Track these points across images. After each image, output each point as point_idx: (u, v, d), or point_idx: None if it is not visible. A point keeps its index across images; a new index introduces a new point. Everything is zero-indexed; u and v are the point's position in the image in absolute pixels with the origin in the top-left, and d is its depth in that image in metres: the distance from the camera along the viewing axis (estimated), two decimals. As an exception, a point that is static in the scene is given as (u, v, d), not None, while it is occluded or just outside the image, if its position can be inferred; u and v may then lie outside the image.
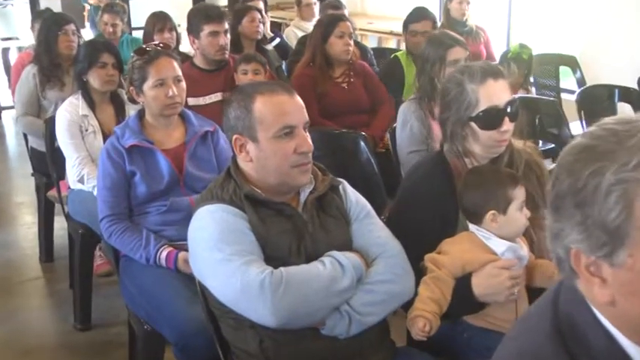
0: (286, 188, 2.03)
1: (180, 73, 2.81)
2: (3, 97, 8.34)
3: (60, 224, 4.50)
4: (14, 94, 5.10)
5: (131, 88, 2.83)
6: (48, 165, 4.07)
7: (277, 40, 5.92)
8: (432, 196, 2.19)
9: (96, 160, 3.60)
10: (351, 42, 4.20)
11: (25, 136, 4.72)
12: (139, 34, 5.86)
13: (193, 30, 3.88)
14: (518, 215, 2.03)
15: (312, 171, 2.06)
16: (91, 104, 3.65)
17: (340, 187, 2.12)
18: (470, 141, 2.22)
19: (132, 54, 2.81)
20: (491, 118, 2.17)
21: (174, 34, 4.76)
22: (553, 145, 4.23)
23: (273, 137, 1.95)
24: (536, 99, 4.55)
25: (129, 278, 2.74)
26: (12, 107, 7.82)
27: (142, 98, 2.81)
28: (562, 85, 5.86)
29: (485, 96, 2.17)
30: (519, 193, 2.03)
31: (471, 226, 2.08)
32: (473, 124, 2.19)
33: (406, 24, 4.53)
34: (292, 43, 6.23)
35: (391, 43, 7.96)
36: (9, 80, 8.67)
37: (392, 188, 3.39)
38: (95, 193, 3.46)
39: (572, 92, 5.91)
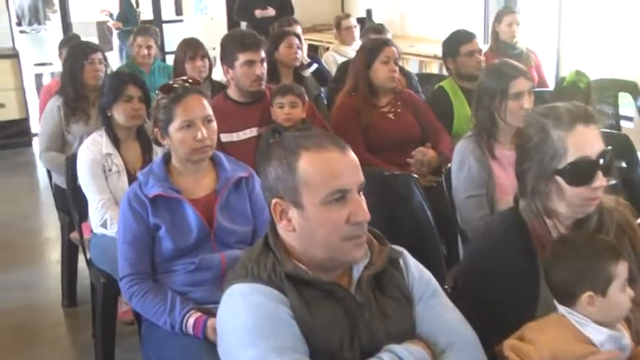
0: (336, 264, 1.68)
1: (210, 112, 2.49)
2: (35, 124, 8.10)
3: (85, 264, 4.21)
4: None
5: (155, 129, 2.50)
6: None
7: (315, 65, 5.59)
8: (509, 268, 1.81)
9: (120, 203, 3.31)
10: (397, 68, 3.84)
11: (49, 172, 4.44)
12: (172, 60, 5.60)
13: (227, 59, 3.56)
14: (620, 297, 1.65)
15: (366, 240, 1.70)
16: (116, 141, 3.36)
17: (400, 259, 1.76)
18: (554, 198, 1.85)
19: (156, 91, 2.48)
20: (582, 172, 1.80)
21: (206, 61, 4.47)
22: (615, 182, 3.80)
23: (322, 203, 1.61)
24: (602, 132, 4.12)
25: (152, 346, 2.42)
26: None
27: (167, 141, 2.49)
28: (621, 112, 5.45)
29: (575, 145, 1.80)
30: (622, 270, 1.65)
31: (561, 308, 1.70)
32: (559, 178, 1.82)
33: (455, 47, 4.14)
34: (331, 68, 5.92)
35: (434, 67, 7.59)
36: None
37: (441, 235, 3.05)
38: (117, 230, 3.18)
39: (630, 119, 5.51)
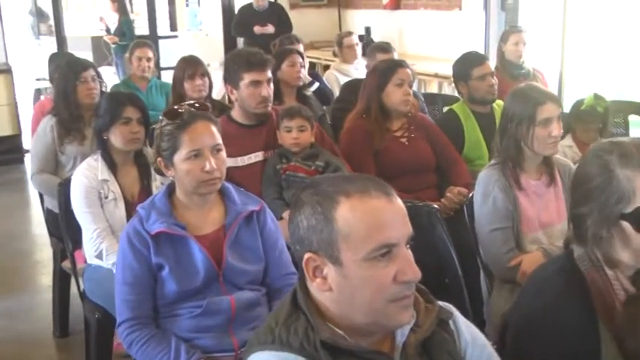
0: (378, 329, 1.44)
1: (220, 140, 2.27)
2: (28, 140, 7.86)
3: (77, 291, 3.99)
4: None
5: (159, 158, 2.29)
6: None
7: (316, 84, 5.40)
8: (569, 329, 1.59)
9: (117, 232, 3.10)
10: (411, 91, 3.64)
11: (41, 195, 4.21)
12: (167, 75, 5.42)
13: (232, 79, 3.35)
14: None
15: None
16: (112, 166, 3.15)
17: (450, 320, 1.54)
18: (616, 246, 1.64)
19: (160, 117, 2.27)
20: (652, 218, 1.59)
21: (206, 80, 4.26)
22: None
23: (365, 260, 1.37)
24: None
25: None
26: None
27: (171, 172, 2.27)
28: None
29: None
30: None
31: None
32: (625, 223, 1.60)
33: (466, 70, 3.93)
34: (333, 87, 5.75)
35: (433, 86, 7.41)
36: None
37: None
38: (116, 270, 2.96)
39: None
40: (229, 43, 9.57)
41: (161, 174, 2.39)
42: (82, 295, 3.25)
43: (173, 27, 14.61)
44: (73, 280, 3.88)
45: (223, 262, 2.26)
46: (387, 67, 3.66)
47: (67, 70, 4.04)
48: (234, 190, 2.39)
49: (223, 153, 2.28)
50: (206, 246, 2.25)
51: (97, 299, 3.09)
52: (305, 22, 8.79)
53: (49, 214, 4.04)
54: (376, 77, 3.65)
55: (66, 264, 3.60)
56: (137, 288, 2.22)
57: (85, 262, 3.25)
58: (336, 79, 5.87)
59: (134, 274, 2.21)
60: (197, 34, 13.91)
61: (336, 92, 5.68)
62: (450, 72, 5.35)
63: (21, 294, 4.61)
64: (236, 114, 3.42)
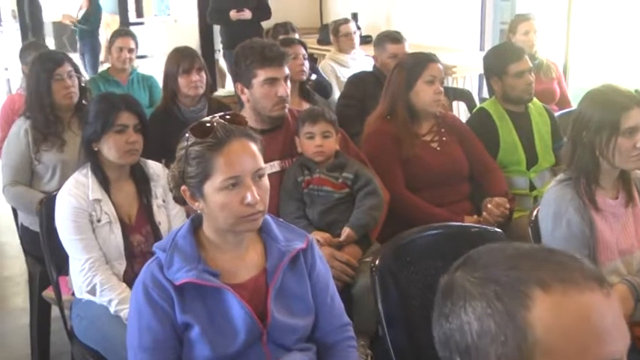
0: None
1: (262, 163, 1.77)
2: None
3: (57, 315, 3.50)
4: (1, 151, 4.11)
5: (183, 187, 1.79)
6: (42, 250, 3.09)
7: (313, 76, 4.91)
8: None
9: (112, 262, 2.61)
10: (442, 89, 3.19)
11: (13, 209, 3.67)
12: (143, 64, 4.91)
13: (243, 76, 2.86)
14: None
15: None
16: (105, 183, 2.65)
17: None
18: None
19: (187, 134, 1.77)
20: None
21: (203, 75, 3.74)
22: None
23: None
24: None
25: None
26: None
27: (200, 204, 1.77)
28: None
29: None
30: None
31: None
32: None
33: (501, 66, 3.46)
34: (330, 79, 5.27)
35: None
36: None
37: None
38: (113, 308, 2.48)
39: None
40: (205, 31, 8.99)
41: (181, 203, 1.89)
42: (70, 333, 2.74)
43: (139, 13, 13.96)
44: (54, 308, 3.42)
45: (268, 318, 1.78)
46: (416, 62, 3.19)
47: (38, 67, 3.45)
48: (274, 222, 1.91)
49: (266, 180, 1.78)
50: (245, 298, 1.76)
51: (89, 341, 2.61)
52: (283, 7, 8.25)
53: (24, 231, 3.50)
54: (403, 74, 3.18)
55: (48, 293, 3.09)
56: (158, 355, 1.72)
57: (72, 293, 2.76)
58: (333, 69, 5.42)
59: (154, 338, 1.72)
60: (165, 19, 13.32)
61: (334, 84, 5.25)
62: (447, 61, 4.99)
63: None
64: (247, 116, 2.91)
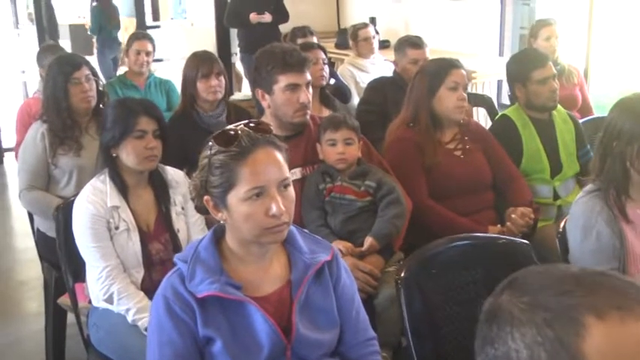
0: None
1: (288, 173, 1.72)
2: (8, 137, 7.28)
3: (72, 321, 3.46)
4: (17, 155, 4.07)
5: (206, 197, 1.74)
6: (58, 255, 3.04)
7: (332, 81, 4.86)
8: None
9: (130, 270, 2.57)
10: (466, 96, 3.13)
11: (30, 213, 3.63)
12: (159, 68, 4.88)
13: (264, 81, 2.81)
14: None
15: None
16: (123, 190, 2.60)
17: None
18: None
19: (210, 143, 1.71)
20: None
21: (222, 80, 3.69)
22: None
23: None
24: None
25: None
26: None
27: (224, 214, 1.72)
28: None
29: None
30: None
31: None
32: None
33: (525, 72, 3.38)
34: (349, 84, 5.21)
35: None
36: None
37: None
38: (130, 317, 2.44)
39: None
40: (222, 34, 8.95)
41: (203, 212, 1.83)
42: (87, 342, 2.70)
43: (156, 16, 13.95)
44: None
45: (293, 332, 1.73)
46: (438, 68, 3.12)
47: (55, 70, 3.40)
48: (299, 233, 1.85)
49: (291, 189, 1.73)
50: (269, 311, 1.71)
51: (107, 351, 2.57)
52: (300, 11, 8.20)
53: (40, 237, 3.47)
54: (426, 80, 3.12)
55: (64, 300, 3.05)
56: (179, 369, 1.68)
57: (89, 301, 2.72)
58: (352, 74, 5.35)
59: (175, 352, 1.67)
60: (182, 23, 13.31)
61: (353, 89, 5.19)
62: (466, 66, 4.90)
63: (6, 323, 4.04)
64: (267, 122, 2.88)
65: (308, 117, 2.86)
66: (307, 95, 2.80)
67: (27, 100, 4.43)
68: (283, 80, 2.76)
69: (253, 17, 7.42)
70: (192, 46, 11.15)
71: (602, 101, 5.75)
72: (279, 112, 2.81)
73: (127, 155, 2.56)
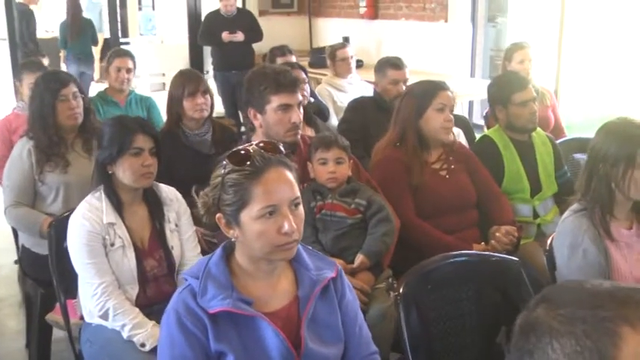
0: None
1: (298, 192, 1.79)
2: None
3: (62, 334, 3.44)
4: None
5: (218, 215, 1.78)
6: (44, 272, 3.03)
7: (310, 100, 4.92)
8: None
9: (125, 286, 2.59)
10: (452, 117, 3.21)
11: (15, 230, 3.62)
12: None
13: (256, 101, 2.87)
14: None
15: None
16: (118, 207, 2.63)
17: None
18: None
19: (224, 162, 1.76)
20: None
21: (208, 98, 3.73)
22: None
23: None
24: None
25: None
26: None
27: (235, 232, 1.76)
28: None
29: None
30: None
31: None
32: None
33: (505, 95, 3.49)
34: (326, 102, 5.29)
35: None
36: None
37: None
38: (126, 333, 2.46)
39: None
40: (195, 52, 8.99)
41: (213, 229, 1.87)
42: (78, 358, 2.71)
43: (124, 32, 13.91)
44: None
45: (302, 347, 1.77)
46: (425, 89, 3.21)
47: (42, 87, 3.40)
48: (305, 250, 1.91)
49: (301, 208, 1.79)
50: (278, 326, 1.76)
51: (101, 367, 2.57)
52: (274, 30, 8.31)
53: (25, 253, 3.46)
54: (414, 101, 3.19)
55: (53, 317, 3.04)
56: (191, 384, 1.71)
57: (81, 317, 2.74)
58: (329, 94, 5.42)
59: (187, 366, 1.71)
60: (151, 40, 13.28)
61: (330, 108, 5.27)
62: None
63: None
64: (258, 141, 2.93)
65: (299, 136, 2.92)
66: (299, 115, 2.86)
67: (7, 116, 4.39)
68: (276, 100, 2.82)
69: (226, 36, 7.50)
70: (164, 63, 11.16)
71: (570, 122, 5.92)
72: (271, 131, 2.86)
73: (124, 172, 2.59)
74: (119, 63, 4.73)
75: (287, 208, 1.72)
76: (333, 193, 2.84)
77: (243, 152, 1.75)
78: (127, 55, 4.82)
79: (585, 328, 0.96)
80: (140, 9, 14.04)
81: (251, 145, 1.78)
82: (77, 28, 9.27)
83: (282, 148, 1.81)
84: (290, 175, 1.76)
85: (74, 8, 9.45)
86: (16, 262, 4.52)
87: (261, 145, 1.79)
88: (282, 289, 1.83)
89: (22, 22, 8.52)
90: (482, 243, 3.14)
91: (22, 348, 3.77)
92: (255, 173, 1.71)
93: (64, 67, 9.44)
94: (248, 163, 1.72)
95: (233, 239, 1.79)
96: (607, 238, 2.40)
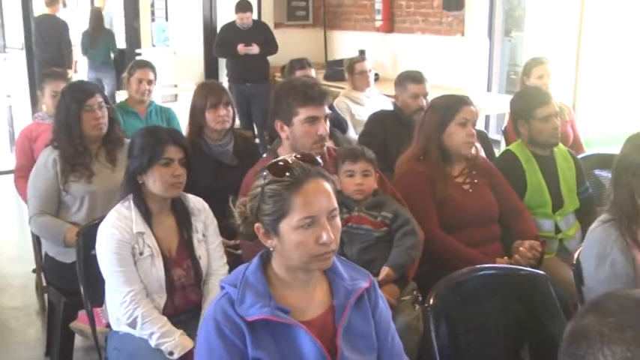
0: None
1: (336, 204, 1.81)
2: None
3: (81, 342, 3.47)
4: (18, 180, 4.10)
5: (257, 224, 1.81)
6: (67, 280, 3.17)
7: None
8: None
9: (153, 294, 2.61)
10: (475, 132, 3.23)
11: (38, 238, 3.64)
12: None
13: (283, 113, 2.90)
14: None
15: None
16: (147, 216, 2.65)
17: None
18: None
19: (264, 173, 1.78)
20: None
21: (230, 110, 3.76)
22: None
23: None
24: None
25: None
26: (4, 172, 6.80)
27: (274, 241, 1.79)
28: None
29: None
30: None
31: None
32: None
33: (528, 109, 3.50)
34: (344, 115, 5.31)
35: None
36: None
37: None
38: (154, 342, 2.48)
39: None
40: (210, 64, 9.04)
41: (250, 238, 1.89)
42: (105, 365, 2.74)
43: (137, 43, 13.97)
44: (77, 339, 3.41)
45: (338, 356, 1.79)
46: (448, 104, 3.23)
47: (68, 97, 3.44)
48: (339, 261, 1.93)
49: (339, 219, 1.82)
50: (315, 334, 1.78)
51: (129, 376, 2.59)
52: (289, 43, 8.33)
53: (48, 262, 3.48)
54: (437, 115, 3.22)
55: (78, 325, 3.07)
56: (229, 392, 1.73)
57: (107, 325, 2.76)
58: (347, 107, 5.44)
59: (225, 373, 1.73)
60: (164, 51, 13.33)
61: (348, 121, 5.29)
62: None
63: (5, 352, 3.96)
64: (284, 153, 2.95)
65: (325, 148, 2.94)
66: (326, 128, 2.89)
67: (28, 126, 4.43)
68: (303, 113, 2.84)
69: (241, 49, 7.55)
70: (176, 74, 11.23)
71: (587, 137, 5.91)
72: (297, 143, 2.88)
73: (154, 182, 2.62)
74: (140, 74, 4.76)
75: (325, 219, 1.75)
76: (360, 206, 2.86)
77: (282, 163, 1.77)
78: (149, 66, 4.85)
79: (635, 335, 1.00)
80: (153, 20, 14.09)
81: (290, 156, 1.81)
82: (97, 38, 9.49)
83: (319, 160, 1.83)
84: (328, 187, 1.79)
85: (96, 19, 9.79)
86: (34, 271, 4.54)
87: (300, 156, 1.82)
88: (317, 299, 1.86)
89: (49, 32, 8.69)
90: (506, 257, 3.15)
91: (41, 356, 3.79)
92: (295, 184, 1.74)
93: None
94: (287, 174, 1.75)
95: (271, 249, 1.81)
96: (635, 247, 2.41)
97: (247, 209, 1.82)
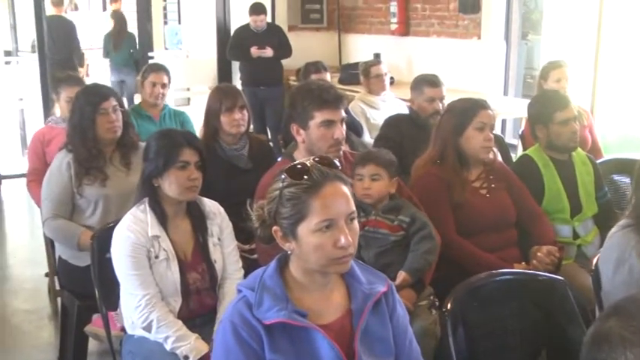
0: None
1: (354, 207, 1.79)
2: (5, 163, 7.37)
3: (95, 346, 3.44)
4: (30, 183, 4.10)
5: (275, 227, 1.79)
6: (81, 284, 3.19)
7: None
8: None
9: (168, 298, 2.60)
10: (492, 136, 3.20)
11: (51, 242, 3.64)
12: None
13: (299, 117, 2.88)
14: None
15: None
16: (163, 219, 2.64)
17: None
18: None
19: (282, 176, 1.77)
20: None
21: (245, 113, 3.74)
22: None
23: None
24: None
25: None
26: (16, 176, 6.84)
27: (292, 244, 1.78)
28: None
29: None
30: None
31: None
32: None
33: (547, 114, 3.45)
34: (359, 119, 5.29)
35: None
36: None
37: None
38: (169, 346, 2.46)
39: None
40: (223, 67, 9.04)
41: (267, 241, 1.87)
42: (119, 371, 2.72)
43: (150, 46, 14.00)
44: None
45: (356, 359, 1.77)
46: (466, 108, 3.20)
47: (83, 100, 3.43)
48: (356, 264, 1.91)
49: (356, 222, 1.80)
50: (332, 338, 1.76)
51: (144, 380, 2.58)
52: (303, 46, 8.31)
53: (62, 265, 3.47)
54: (454, 119, 3.19)
55: (92, 329, 3.06)
56: (245, 397, 1.71)
57: (122, 329, 2.75)
58: (362, 111, 5.41)
59: (243, 376, 1.71)
60: (177, 54, 13.34)
61: (363, 125, 5.27)
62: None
63: (18, 355, 3.95)
64: (300, 157, 2.93)
65: (341, 152, 2.92)
66: (342, 131, 2.87)
67: (41, 129, 4.43)
68: (319, 116, 2.82)
69: (254, 51, 7.54)
70: (189, 77, 11.24)
71: (605, 141, 5.85)
72: (313, 147, 2.87)
73: (170, 185, 2.61)
74: (154, 78, 4.74)
75: (343, 222, 1.73)
76: (376, 210, 2.84)
77: (300, 166, 1.76)
78: (163, 69, 4.83)
79: None
80: (166, 23, 14.13)
81: (308, 159, 1.79)
82: (121, 41, 9.78)
83: (337, 164, 1.81)
84: (346, 190, 1.77)
85: (120, 23, 10.04)
86: (46, 274, 4.53)
87: (318, 159, 1.80)
88: (335, 302, 1.84)
89: (59, 33, 8.74)
90: (523, 262, 3.11)
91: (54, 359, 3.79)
92: (313, 187, 1.72)
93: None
94: (306, 177, 1.73)
95: (289, 252, 1.79)
96: None
97: (265, 212, 1.81)
